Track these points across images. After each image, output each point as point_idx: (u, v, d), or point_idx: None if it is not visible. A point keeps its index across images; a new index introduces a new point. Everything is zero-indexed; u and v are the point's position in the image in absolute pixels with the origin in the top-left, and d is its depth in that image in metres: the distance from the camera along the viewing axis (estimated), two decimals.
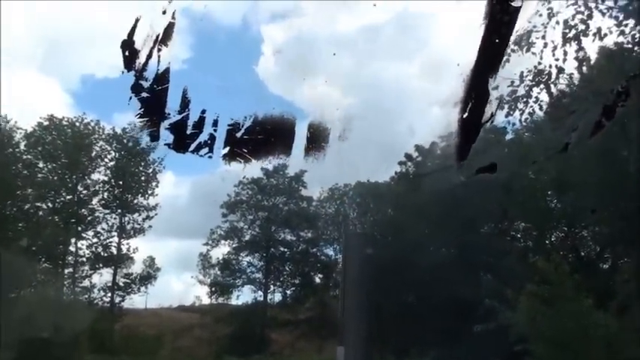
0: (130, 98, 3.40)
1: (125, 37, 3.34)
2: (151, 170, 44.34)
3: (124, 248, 42.84)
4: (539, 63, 12.18)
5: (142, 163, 44.27)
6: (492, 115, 3.37)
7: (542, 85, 13.00)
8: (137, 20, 3.32)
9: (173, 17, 3.40)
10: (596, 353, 17.74)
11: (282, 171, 47.33)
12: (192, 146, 3.53)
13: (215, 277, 48.26)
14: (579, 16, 11.96)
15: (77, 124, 42.21)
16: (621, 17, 11.77)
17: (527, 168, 33.63)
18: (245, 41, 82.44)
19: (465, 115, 2.99)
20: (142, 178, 44.17)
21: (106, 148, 43.57)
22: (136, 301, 45.36)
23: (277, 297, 48.80)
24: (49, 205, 41.03)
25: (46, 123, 41.16)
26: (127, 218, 43.57)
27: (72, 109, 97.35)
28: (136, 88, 3.39)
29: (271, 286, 47.61)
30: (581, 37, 11.90)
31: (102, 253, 42.10)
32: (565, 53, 12.25)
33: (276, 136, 3.53)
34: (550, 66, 12.38)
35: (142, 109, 3.40)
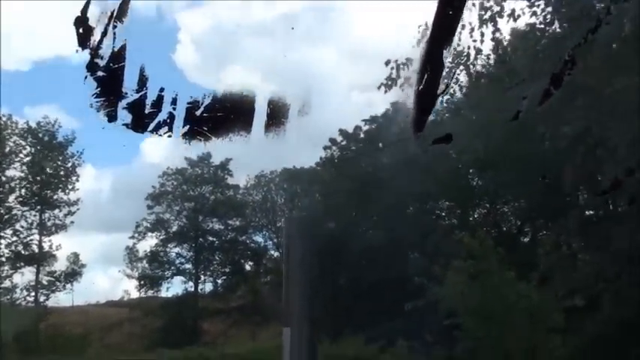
0: (85, 77, 3.33)
1: (78, 14, 3.28)
2: (70, 164, 43.06)
3: (45, 246, 41.50)
4: (458, 45, 12.58)
5: (60, 158, 42.92)
6: (447, 87, 3.52)
7: (461, 67, 13.44)
8: None
9: None
10: (520, 323, 18.60)
11: (207, 160, 46.88)
12: (152, 126, 3.49)
13: (143, 270, 47.34)
14: None
15: None
16: None
17: (448, 148, 34.72)
18: (161, 29, 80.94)
19: (420, 87, 3.10)
20: (61, 172, 42.82)
21: (20, 143, 41.90)
22: (61, 299, 44.07)
23: (208, 287, 48.45)
24: None
25: None
26: (47, 214, 42.14)
27: None
28: (92, 67, 3.32)
29: (201, 276, 47.15)
30: (497, 19, 12.35)
31: (22, 252, 40.57)
32: (482, 35, 12.69)
33: (236, 113, 3.55)
34: (468, 47, 12.80)
35: (99, 89, 3.34)
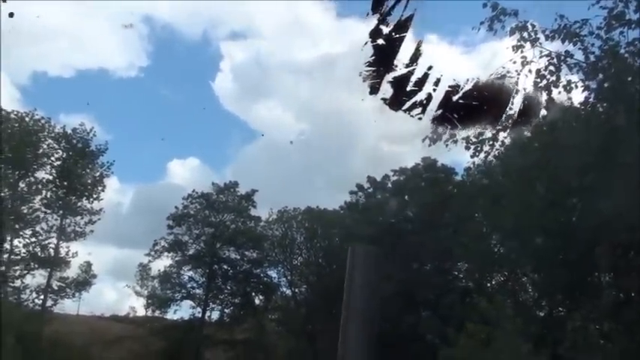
0: (365, 44, 3.26)
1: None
2: (98, 173, 43.50)
3: (62, 251, 41.59)
4: (510, 108, 12.47)
5: (90, 166, 43.42)
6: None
7: (508, 130, 13.35)
8: None
9: None
10: None
11: (234, 188, 47.21)
12: (408, 104, 3.42)
13: (153, 289, 47.27)
14: (551, 68, 12.39)
15: (27, 119, 41.12)
16: (587, 74, 12.25)
17: (474, 210, 34.39)
18: (204, 56, 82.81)
19: None
20: (89, 180, 43.20)
21: (53, 147, 42.49)
22: (67, 306, 44.00)
23: (215, 315, 47.74)
24: None
25: None
26: (68, 220, 42.37)
27: (19, 104, 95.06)
28: (375, 34, 3.23)
29: (210, 304, 46.62)
30: (552, 88, 12.26)
31: (39, 254, 40.67)
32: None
33: (491, 104, 3.49)
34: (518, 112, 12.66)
35: (373, 57, 3.26)
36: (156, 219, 50.28)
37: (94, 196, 42.84)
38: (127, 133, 73.58)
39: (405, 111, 3.39)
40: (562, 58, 12.01)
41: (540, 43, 12.56)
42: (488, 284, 34.85)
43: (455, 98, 3.40)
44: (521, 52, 12.03)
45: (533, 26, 12.13)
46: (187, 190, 48.37)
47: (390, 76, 3.30)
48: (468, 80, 3.39)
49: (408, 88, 3.37)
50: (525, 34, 12.08)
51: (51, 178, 42.13)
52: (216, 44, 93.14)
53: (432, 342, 22.03)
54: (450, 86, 3.39)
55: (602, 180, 12.82)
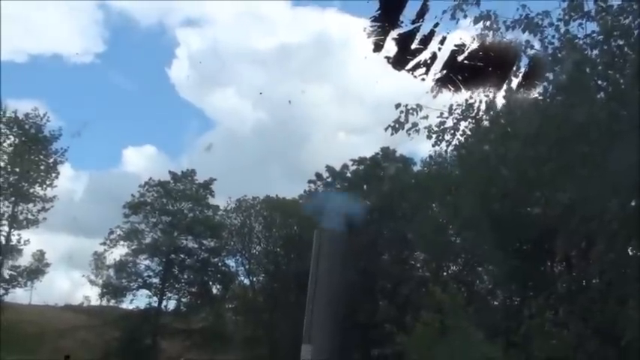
0: None
1: None
2: (52, 160, 42.48)
3: (14, 239, 40.57)
4: (470, 97, 12.44)
5: (44, 152, 42.36)
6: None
7: (469, 120, 13.38)
8: None
9: None
10: None
11: (191, 176, 46.69)
12: (411, 64, 3.28)
13: (108, 279, 46.49)
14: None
15: None
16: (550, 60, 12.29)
17: (430, 200, 34.70)
18: (160, 43, 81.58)
19: None
20: (42, 167, 42.17)
21: (5, 132, 41.32)
22: (19, 295, 43.03)
23: (172, 304, 47.11)
24: None
25: None
26: (20, 207, 41.31)
27: None
28: None
29: (167, 293, 46.04)
30: (512, 77, 12.24)
31: None
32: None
33: (497, 65, 3.36)
34: (480, 101, 12.70)
35: (379, 11, 3.11)
36: (111, 207, 49.57)
37: (48, 183, 41.90)
38: (82, 119, 72.10)
39: (408, 70, 3.30)
40: (522, 48, 12.04)
41: (501, 33, 12.57)
42: (445, 274, 35.27)
43: (460, 58, 3.32)
44: (484, 41, 12.02)
45: (495, 15, 12.13)
46: (143, 178, 47.79)
47: (395, 33, 3.20)
48: (474, 39, 3.36)
49: (414, 46, 3.28)
50: (488, 23, 12.05)
51: (2, 164, 41.03)
52: (172, 31, 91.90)
53: (390, 330, 22.24)
54: (455, 45, 3.32)
55: (558, 171, 12.98)
